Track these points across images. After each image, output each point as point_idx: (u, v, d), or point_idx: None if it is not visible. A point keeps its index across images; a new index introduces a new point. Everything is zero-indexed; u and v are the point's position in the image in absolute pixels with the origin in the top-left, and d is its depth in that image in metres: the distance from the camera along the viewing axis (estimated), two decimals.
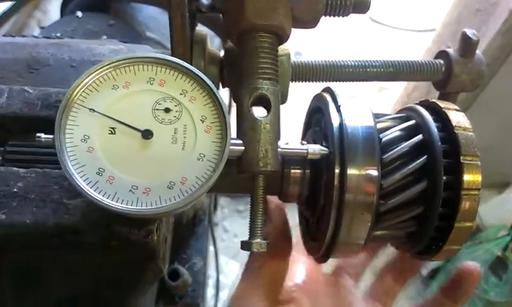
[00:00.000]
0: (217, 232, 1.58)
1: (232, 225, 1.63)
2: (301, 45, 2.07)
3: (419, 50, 1.59)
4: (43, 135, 0.31)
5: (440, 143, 0.35)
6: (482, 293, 1.43)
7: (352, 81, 0.45)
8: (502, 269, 1.44)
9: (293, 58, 0.44)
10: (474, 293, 1.43)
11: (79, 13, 0.66)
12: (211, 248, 1.09)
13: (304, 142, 0.40)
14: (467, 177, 0.34)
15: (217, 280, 1.19)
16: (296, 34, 0.40)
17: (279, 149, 0.34)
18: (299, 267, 0.47)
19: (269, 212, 0.43)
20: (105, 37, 0.61)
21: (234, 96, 0.39)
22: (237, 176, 0.35)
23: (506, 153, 1.46)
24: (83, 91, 0.31)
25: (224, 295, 1.49)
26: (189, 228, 0.91)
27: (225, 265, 1.51)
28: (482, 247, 1.46)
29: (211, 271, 1.18)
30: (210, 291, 1.23)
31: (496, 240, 1.48)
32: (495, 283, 1.44)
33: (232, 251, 1.55)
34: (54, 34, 0.60)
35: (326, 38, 1.92)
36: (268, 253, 0.38)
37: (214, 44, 0.73)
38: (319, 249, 0.38)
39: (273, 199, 0.43)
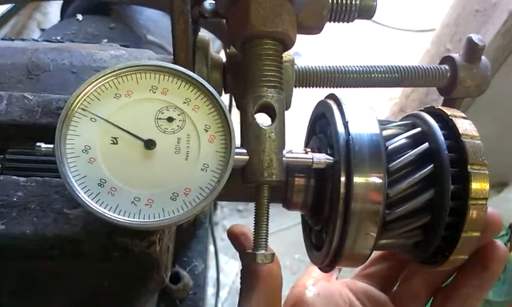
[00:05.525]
0: (217, 231, 1.57)
1: (231, 224, 1.62)
2: (300, 46, 2.06)
3: (418, 51, 1.58)
4: (43, 144, 0.30)
5: (446, 152, 0.35)
6: None
7: (357, 87, 0.44)
8: None
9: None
10: None
11: (79, 16, 0.65)
12: (211, 247, 1.09)
13: (308, 149, 0.39)
14: (475, 186, 0.34)
15: (218, 279, 1.18)
16: None
17: (284, 159, 0.34)
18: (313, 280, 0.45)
19: (239, 242, 0.40)
20: (105, 40, 0.60)
21: (237, 103, 0.39)
22: (241, 184, 0.34)
23: (505, 153, 1.46)
24: (84, 99, 0.30)
25: (224, 294, 1.48)
26: (190, 231, 0.90)
27: (225, 265, 1.50)
28: None
29: (211, 270, 1.18)
30: (210, 291, 1.23)
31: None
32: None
33: (231, 250, 1.53)
34: (55, 38, 0.60)
35: (325, 38, 1.91)
36: (258, 281, 0.36)
37: (214, 47, 0.72)
38: (324, 258, 0.37)
39: (236, 228, 0.40)
